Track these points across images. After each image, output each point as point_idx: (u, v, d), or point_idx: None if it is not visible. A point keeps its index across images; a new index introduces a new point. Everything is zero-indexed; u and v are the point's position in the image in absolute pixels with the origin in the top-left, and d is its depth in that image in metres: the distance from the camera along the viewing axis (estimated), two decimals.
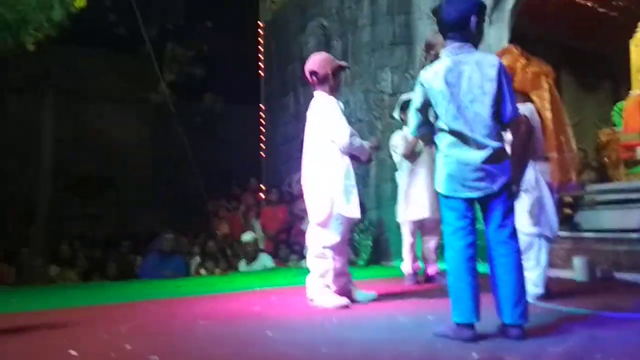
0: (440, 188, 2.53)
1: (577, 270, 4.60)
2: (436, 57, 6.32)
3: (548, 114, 3.51)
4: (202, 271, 7.05)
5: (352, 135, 3.60)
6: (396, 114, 4.85)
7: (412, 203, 4.55)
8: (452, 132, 2.46)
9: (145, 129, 11.92)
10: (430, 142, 2.66)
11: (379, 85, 7.01)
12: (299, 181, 9.11)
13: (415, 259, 4.69)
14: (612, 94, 8.93)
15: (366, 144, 3.74)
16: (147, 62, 10.73)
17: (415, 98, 2.57)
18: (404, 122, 4.71)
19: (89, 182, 11.24)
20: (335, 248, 3.58)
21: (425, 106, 2.53)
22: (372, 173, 7.11)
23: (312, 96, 8.76)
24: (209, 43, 11.14)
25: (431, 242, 4.68)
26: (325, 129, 3.64)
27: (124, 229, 9.91)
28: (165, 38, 10.85)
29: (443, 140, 2.51)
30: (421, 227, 4.68)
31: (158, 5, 10.83)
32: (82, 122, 11.13)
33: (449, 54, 2.52)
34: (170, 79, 10.35)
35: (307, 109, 8.76)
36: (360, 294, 3.72)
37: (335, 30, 7.77)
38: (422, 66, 6.63)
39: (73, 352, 2.38)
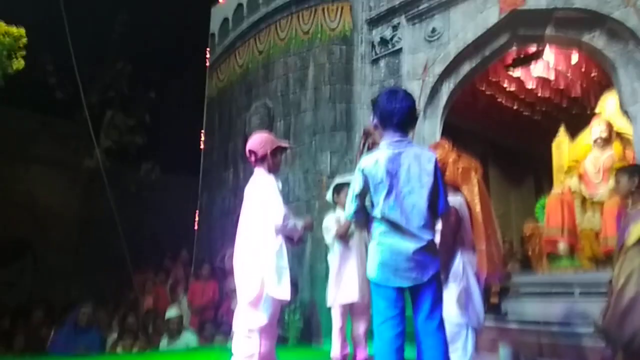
0: (372, 275, 2.54)
1: (502, 358, 4.65)
2: (373, 144, 6.62)
3: (477, 208, 3.67)
4: (119, 348, 6.60)
5: (286, 216, 3.58)
6: (328, 197, 4.91)
7: (343, 286, 4.52)
8: (387, 221, 2.51)
9: (73, 194, 11.50)
10: (363, 227, 2.69)
11: (318, 167, 7.15)
12: (231, 257, 8.98)
13: (344, 343, 4.60)
14: (535, 188, 9.51)
15: (299, 223, 3.72)
16: (84, 127, 10.54)
17: (355, 184, 2.62)
18: (336, 204, 4.78)
19: (4, 245, 10.55)
20: (262, 330, 3.46)
21: (364, 193, 2.59)
22: (307, 252, 7.09)
23: (252, 173, 8.81)
24: (152, 113, 11.15)
25: (361, 327, 4.62)
26: (261, 208, 3.62)
27: (38, 296, 9.27)
28: (107, 105, 10.77)
29: (377, 228, 2.56)
30: (351, 310, 4.63)
31: (102, 73, 10.84)
32: (7, 182, 10.61)
33: (389, 146, 2.62)
34: (106, 145, 10.16)
35: (245, 185, 8.77)
36: None
37: (279, 111, 7.96)
38: (360, 152, 6.88)
39: None
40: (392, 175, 2.53)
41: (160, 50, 10.82)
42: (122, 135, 10.72)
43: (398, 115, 2.60)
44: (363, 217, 2.64)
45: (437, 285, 2.54)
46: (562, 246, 5.70)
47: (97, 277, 10.24)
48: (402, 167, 2.55)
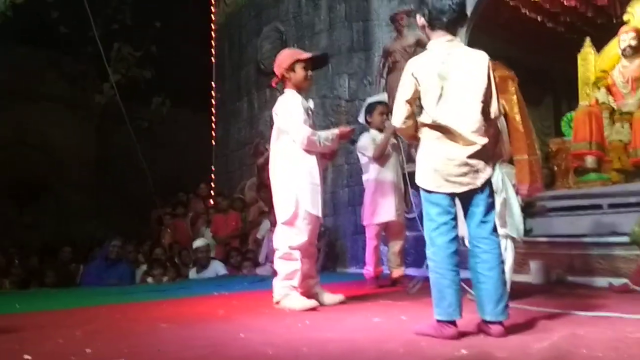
0: (424, 183, 2.48)
1: (533, 273, 4.70)
2: (394, 64, 6.45)
3: (517, 117, 3.56)
4: (149, 279, 6.73)
5: (309, 136, 3.49)
6: (361, 118, 4.83)
7: (379, 206, 4.52)
8: (439, 127, 2.42)
9: (86, 132, 11.41)
10: (411, 136, 2.59)
11: (336, 91, 6.99)
12: (251, 187, 8.99)
13: (378, 262, 4.65)
14: (554, 108, 9.32)
15: (331, 134, 3.62)
16: (91, 63, 10.31)
17: (404, 89, 2.49)
18: (369, 125, 4.70)
19: (25, 188, 10.60)
20: (302, 248, 3.48)
21: (414, 97, 2.47)
22: (329, 180, 7.06)
23: (266, 101, 8.65)
24: (158, 44, 10.84)
25: (396, 246, 4.66)
26: (286, 128, 3.54)
27: (62, 236, 9.39)
28: (112, 38, 10.45)
29: (428, 134, 2.47)
30: (386, 230, 4.65)
31: (104, 4, 10.45)
32: (19, 123, 10.52)
33: (439, 47, 2.49)
34: (115, 80, 9.91)
35: (261, 114, 8.65)
36: (327, 296, 3.62)
37: (292, 34, 7.70)
38: (380, 73, 6.70)
39: (27, 357, 2.15)
40: (443, 77, 2.41)
41: None
42: (130, 68, 10.48)
43: (449, 12, 2.45)
44: (412, 123, 2.53)
45: (489, 190, 2.48)
46: (590, 160, 5.62)
47: (117, 215, 10.34)
48: (454, 69, 2.42)
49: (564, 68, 7.15)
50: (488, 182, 2.47)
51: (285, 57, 3.66)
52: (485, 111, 2.44)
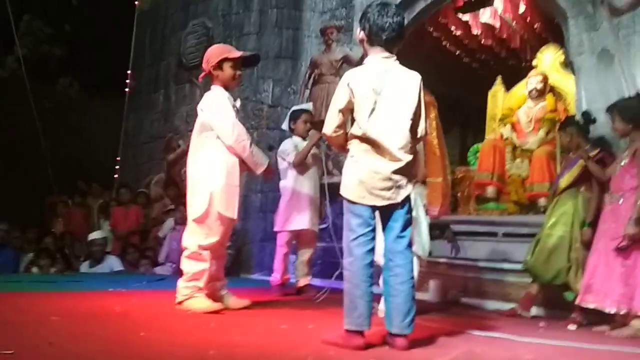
0: (348, 193, 2.50)
1: (431, 292, 4.88)
2: (320, 76, 6.51)
3: (435, 141, 3.71)
4: (34, 269, 6.25)
5: (246, 137, 3.45)
6: (285, 125, 4.83)
7: (294, 214, 4.51)
8: (368, 140, 2.46)
9: None
10: (340, 146, 2.61)
11: (260, 96, 6.93)
12: (158, 183, 8.64)
13: (286, 270, 4.62)
14: (460, 138, 9.86)
15: (263, 157, 3.59)
16: None
17: (339, 98, 2.51)
18: (292, 132, 4.70)
19: None
20: (212, 249, 3.37)
21: (348, 108, 2.50)
22: (241, 183, 6.95)
23: (185, 96, 8.39)
24: (73, 23, 10.20)
25: (305, 255, 4.66)
26: (212, 124, 3.45)
27: None
28: (21, 10, 9.69)
29: (357, 146, 2.50)
30: (297, 239, 4.64)
31: None
32: None
33: (376, 63, 2.53)
34: (22, 54, 9.17)
35: (177, 109, 8.36)
36: (233, 300, 3.53)
37: (219, 32, 7.55)
38: (306, 83, 6.74)
39: None
40: (377, 92, 2.46)
41: None
42: (40, 44, 9.76)
43: (388, 30, 2.50)
44: (343, 133, 2.56)
45: (408, 206, 2.55)
46: (491, 190, 5.97)
47: (7, 198, 9.53)
48: (388, 84, 2.47)
49: (474, 102, 7.57)
50: (408, 199, 2.54)
51: (214, 53, 3.57)
52: (413, 129, 2.52)
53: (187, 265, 3.36)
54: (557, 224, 4.17)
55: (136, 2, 9.43)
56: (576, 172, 4.13)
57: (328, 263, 5.80)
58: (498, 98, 6.85)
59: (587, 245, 3.85)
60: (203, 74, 3.68)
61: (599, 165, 3.94)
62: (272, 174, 3.72)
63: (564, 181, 4.24)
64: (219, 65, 3.52)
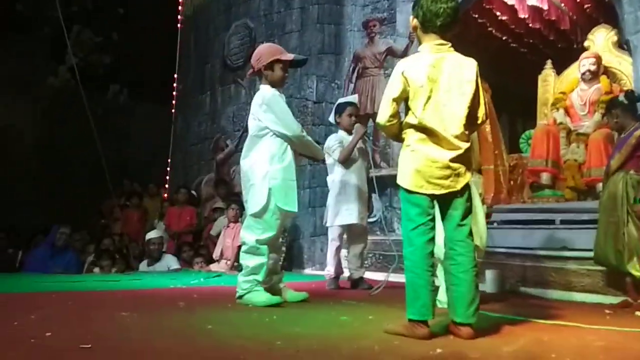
0: (405, 183, 2.48)
1: (488, 282, 4.79)
2: (364, 70, 6.49)
3: (487, 128, 3.64)
4: (96, 269, 6.49)
5: (305, 134, 3.57)
6: (331, 117, 4.83)
7: (343, 207, 4.51)
8: (424, 129, 2.44)
9: (36, 115, 10.90)
10: (394, 135, 2.60)
11: (304, 92, 6.96)
12: (208, 183, 8.82)
13: (339, 264, 4.64)
14: (509, 126, 9.62)
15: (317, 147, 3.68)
16: (46, 44, 9.89)
17: (393, 87, 2.49)
18: (339, 125, 4.70)
19: None
20: (270, 243, 3.43)
21: (402, 97, 2.48)
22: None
23: (230, 97, 8.53)
24: (120, 31, 10.51)
25: (357, 249, 4.66)
26: (273, 125, 3.49)
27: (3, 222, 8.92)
28: (70, 21, 10.06)
29: (412, 135, 2.48)
30: (348, 233, 4.65)
31: None
32: None
33: (431, 50, 2.50)
34: (72, 63, 9.52)
35: (223, 110, 8.51)
36: (291, 293, 3.58)
37: (262, 32, 7.63)
38: (350, 78, 6.74)
39: None
40: (433, 80, 2.43)
41: None
42: (89, 53, 10.11)
43: (443, 16, 2.47)
44: (397, 123, 2.54)
45: (468, 194, 2.52)
46: (545, 176, 5.81)
47: (62, 202, 9.92)
48: (443, 72, 2.44)
49: (524, 87, 7.38)
50: (467, 187, 2.51)
51: (266, 52, 3.62)
52: (471, 116, 2.48)
53: (246, 260, 3.42)
54: (610, 210, 4.04)
55: (179, 8, 9.64)
56: (625, 153, 3.99)
57: (379, 256, 5.81)
58: (549, 82, 6.65)
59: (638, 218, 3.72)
60: (251, 71, 3.73)
61: None
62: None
63: (614, 163, 4.10)
64: (270, 66, 3.57)
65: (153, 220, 8.44)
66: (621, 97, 4.35)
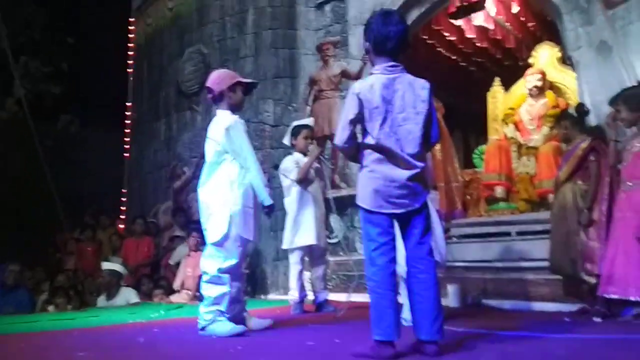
0: (365, 203, 2.50)
1: (450, 296, 4.85)
2: (319, 92, 6.55)
3: (437, 146, 3.70)
4: (50, 308, 6.23)
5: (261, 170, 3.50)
6: (286, 140, 4.83)
7: (302, 229, 4.49)
8: (381, 149, 2.46)
9: None
10: (352, 157, 2.62)
11: (261, 116, 6.96)
12: (165, 211, 8.64)
13: (302, 287, 4.60)
14: (463, 142, 9.87)
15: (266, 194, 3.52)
16: None
17: (349, 110, 2.52)
18: (294, 147, 4.71)
19: None
20: (232, 272, 3.37)
21: (358, 119, 2.51)
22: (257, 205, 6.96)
23: (185, 124, 8.42)
24: (70, 61, 10.31)
25: (319, 270, 4.64)
26: (235, 154, 3.45)
27: None
28: (18, 52, 9.80)
29: (369, 155, 2.50)
30: (308, 255, 4.63)
31: (11, 16, 9.81)
32: None
33: (383, 72, 2.55)
34: (20, 95, 9.25)
35: (179, 137, 8.39)
36: (255, 321, 3.52)
37: (216, 58, 7.61)
38: (306, 100, 6.78)
39: None
40: (387, 101, 2.47)
41: None
42: (38, 83, 9.85)
43: (393, 39, 2.52)
44: (355, 144, 2.56)
45: (426, 212, 2.56)
46: (500, 190, 5.95)
47: (13, 239, 9.55)
48: (397, 93, 2.49)
49: (473, 105, 7.59)
50: (426, 205, 2.54)
51: (226, 76, 3.61)
52: (426, 136, 2.53)
53: (208, 290, 3.34)
54: (561, 219, 4.16)
55: (130, 36, 9.55)
56: (572, 164, 4.14)
57: (343, 276, 5.80)
58: (498, 99, 6.85)
59: (586, 226, 3.87)
60: (211, 95, 3.62)
61: (592, 154, 3.95)
62: (273, 210, 3.63)
63: (562, 174, 4.24)
64: (232, 88, 3.56)
65: (107, 253, 8.19)
66: (571, 110, 4.52)
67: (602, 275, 3.69)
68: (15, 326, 4.18)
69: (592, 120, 4.35)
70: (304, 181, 4.51)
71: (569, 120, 4.32)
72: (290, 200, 4.61)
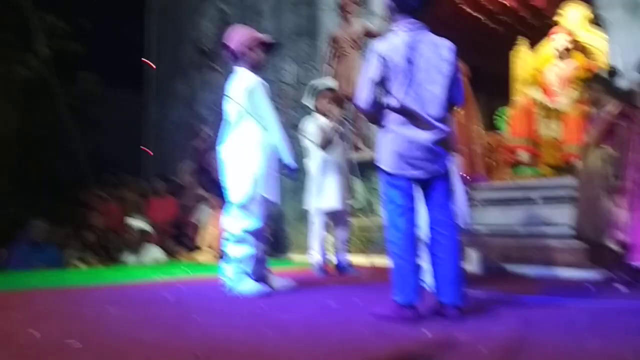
0: (386, 165, 2.47)
1: (472, 261, 4.86)
2: (341, 50, 6.44)
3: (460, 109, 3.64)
4: (80, 263, 6.40)
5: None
6: (307, 101, 4.76)
7: (324, 193, 4.47)
8: (404, 111, 2.43)
9: (7, 107, 10.60)
10: (374, 119, 2.58)
11: (280, 75, 6.89)
12: (186, 170, 8.72)
13: (324, 250, 4.63)
14: (486, 104, 9.68)
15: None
16: (12, 32, 9.59)
17: (372, 70, 2.46)
18: (315, 109, 4.65)
19: None
20: (255, 233, 3.41)
21: (381, 80, 2.45)
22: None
23: (204, 82, 8.37)
24: (87, 17, 10.22)
25: (342, 233, 4.66)
26: (258, 117, 3.44)
27: None
28: (41, 9, 9.74)
29: (392, 117, 2.47)
30: (331, 219, 4.64)
31: None
32: None
33: (406, 31, 2.48)
34: (42, 53, 9.26)
35: (200, 96, 8.37)
36: (277, 280, 3.58)
37: (235, 15, 7.50)
38: (327, 60, 6.68)
39: None
40: (411, 62, 2.42)
41: None
42: (58, 41, 9.81)
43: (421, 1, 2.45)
44: (378, 107, 2.52)
45: (449, 176, 2.53)
46: (525, 155, 5.88)
47: (40, 196, 9.74)
48: (421, 53, 2.43)
49: (497, 65, 7.39)
50: (448, 169, 2.52)
51: (246, 35, 3.55)
52: (450, 99, 2.48)
53: (232, 250, 3.40)
54: (588, 183, 4.09)
55: None
56: (601, 129, 4.03)
57: (364, 238, 5.84)
58: (523, 59, 6.68)
59: (615, 193, 3.80)
60: (231, 53, 3.57)
61: (622, 119, 3.85)
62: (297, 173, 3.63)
63: (590, 138, 4.14)
64: (252, 47, 3.50)
65: (131, 211, 8.32)
66: (603, 73, 4.38)
67: (629, 243, 3.65)
68: (46, 281, 4.31)
69: (623, 83, 4.22)
70: (328, 144, 4.47)
71: (600, 84, 4.19)
72: (313, 163, 4.58)
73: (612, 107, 3.96)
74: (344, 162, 4.63)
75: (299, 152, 5.18)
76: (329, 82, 5.01)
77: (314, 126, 4.55)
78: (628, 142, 3.80)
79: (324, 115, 4.60)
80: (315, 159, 4.57)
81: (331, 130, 4.49)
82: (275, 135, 3.42)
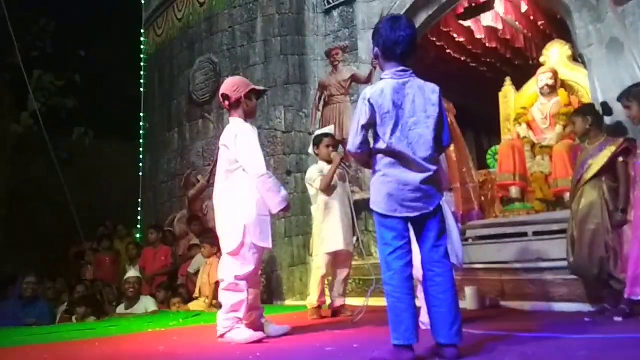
0: (379, 207, 2.51)
1: (468, 299, 4.83)
2: (330, 97, 6.58)
3: (451, 147, 3.70)
4: (71, 317, 6.28)
5: (269, 175, 3.47)
6: (311, 150, 4.91)
7: (329, 236, 4.54)
8: (393, 153, 2.48)
9: (2, 163, 10.66)
10: (365, 162, 2.64)
11: (272, 123, 6.99)
12: (181, 220, 8.70)
13: (323, 292, 4.62)
14: (475, 143, 9.83)
15: (283, 195, 3.49)
16: (6, 90, 9.76)
17: (361, 115, 2.53)
18: (318, 156, 4.76)
19: None
20: (248, 279, 3.39)
21: (370, 124, 2.52)
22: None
23: (198, 132, 8.49)
24: (82, 73, 10.43)
25: (343, 275, 4.69)
26: (240, 157, 3.48)
27: None
28: (31, 66, 9.95)
29: (382, 160, 2.52)
30: (333, 260, 4.65)
31: (23, 29, 9.97)
32: None
33: (393, 77, 2.56)
34: (35, 109, 9.37)
35: (192, 145, 8.46)
36: (273, 327, 3.54)
37: (226, 66, 7.67)
38: (317, 106, 6.82)
39: None
40: (398, 106, 2.49)
41: (89, 4, 10.11)
42: (51, 97, 9.98)
43: (402, 44, 2.53)
44: (368, 150, 2.57)
45: (441, 215, 2.56)
46: (515, 190, 5.92)
47: (31, 251, 9.68)
48: (407, 97, 2.51)
49: (484, 106, 7.56)
50: (440, 207, 2.54)
51: (242, 83, 3.65)
52: (437, 139, 2.53)
53: (226, 297, 3.37)
54: (587, 217, 4.10)
55: (142, 47, 9.66)
56: (602, 162, 4.06)
57: (359, 281, 5.80)
58: (510, 98, 6.84)
59: (619, 226, 3.81)
60: (227, 102, 3.62)
61: (625, 155, 3.89)
62: (288, 209, 3.61)
63: (590, 171, 4.14)
64: (248, 96, 3.59)
65: (125, 263, 8.26)
66: (597, 107, 4.41)
67: (627, 276, 3.64)
68: (37, 337, 4.23)
69: (608, 120, 4.30)
70: (327, 189, 4.55)
71: (593, 116, 4.23)
72: (317, 208, 4.67)
73: (610, 142, 4.00)
74: (346, 204, 4.70)
75: (293, 197, 5.23)
76: (328, 129, 5.18)
77: (315, 172, 4.67)
78: (630, 176, 3.82)
79: (326, 161, 4.71)
80: (318, 203, 4.66)
81: (332, 175, 4.57)
82: (257, 178, 3.40)
